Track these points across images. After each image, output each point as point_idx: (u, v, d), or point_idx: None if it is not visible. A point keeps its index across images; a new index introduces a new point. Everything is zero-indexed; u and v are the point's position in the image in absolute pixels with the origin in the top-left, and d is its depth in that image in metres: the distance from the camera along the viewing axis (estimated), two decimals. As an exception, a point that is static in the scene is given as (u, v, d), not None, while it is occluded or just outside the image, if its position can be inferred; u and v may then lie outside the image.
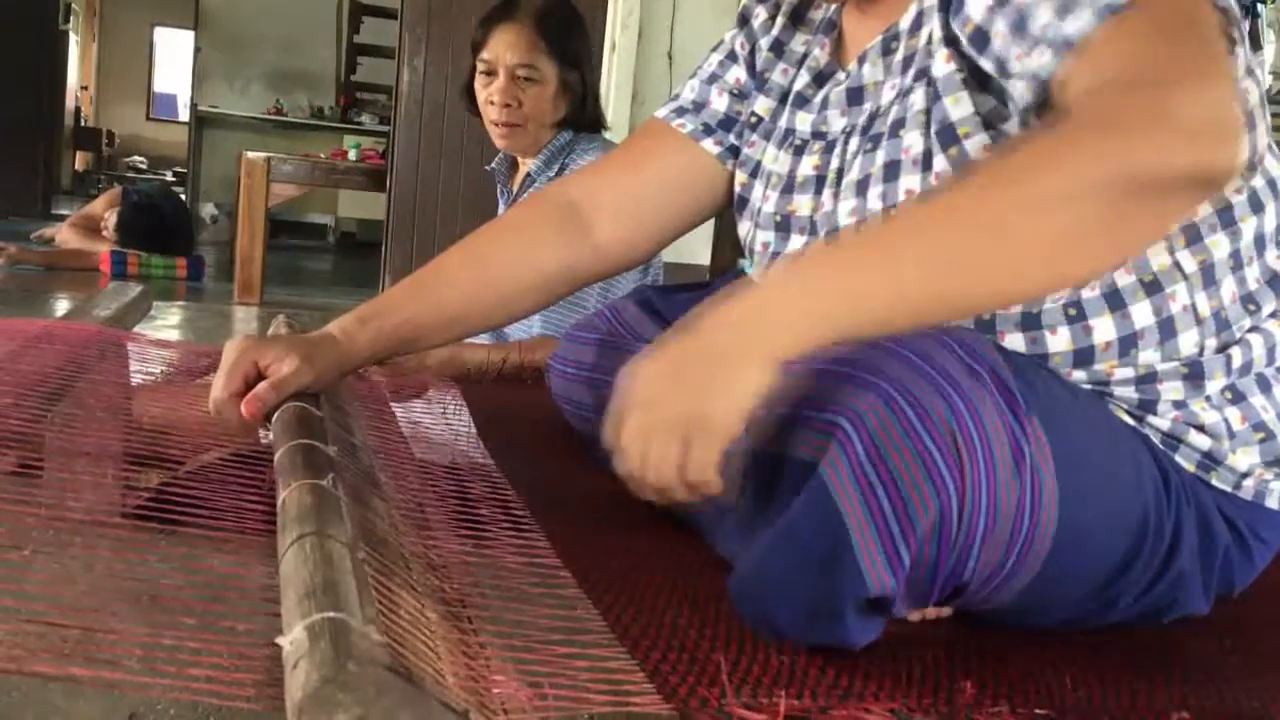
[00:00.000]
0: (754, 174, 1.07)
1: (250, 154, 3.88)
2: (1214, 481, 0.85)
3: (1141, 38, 0.71)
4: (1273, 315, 0.87)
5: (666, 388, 0.73)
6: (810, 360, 0.73)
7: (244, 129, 7.35)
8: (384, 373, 1.33)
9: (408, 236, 3.71)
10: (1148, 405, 0.84)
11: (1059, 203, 0.68)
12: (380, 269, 3.81)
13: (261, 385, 0.92)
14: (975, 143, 0.84)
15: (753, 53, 1.11)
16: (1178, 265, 0.84)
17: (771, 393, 0.71)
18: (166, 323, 2.99)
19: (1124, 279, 0.83)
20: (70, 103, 9.03)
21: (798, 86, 1.04)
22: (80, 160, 10.15)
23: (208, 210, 6.57)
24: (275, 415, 0.90)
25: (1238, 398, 0.85)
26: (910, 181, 0.87)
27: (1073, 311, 0.83)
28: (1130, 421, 0.84)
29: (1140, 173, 0.67)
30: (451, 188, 3.69)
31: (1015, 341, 0.84)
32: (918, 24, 0.90)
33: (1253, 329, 0.86)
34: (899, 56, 0.93)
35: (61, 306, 3.08)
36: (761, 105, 1.09)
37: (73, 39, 8.72)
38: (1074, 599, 0.80)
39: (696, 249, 3.47)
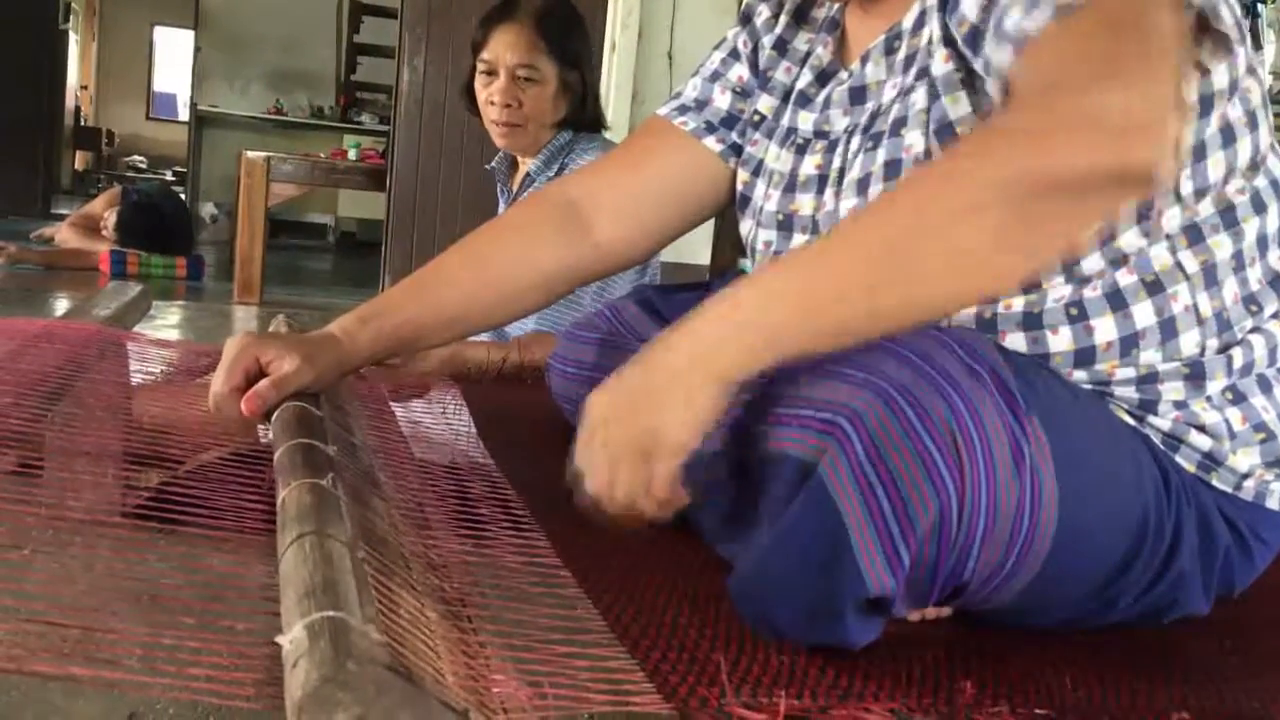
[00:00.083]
0: (756, 172, 1.07)
1: (250, 153, 3.87)
2: (1214, 482, 0.85)
3: (1086, 36, 0.71)
4: (1274, 316, 0.87)
5: (621, 409, 0.76)
6: (810, 361, 0.73)
7: (244, 128, 7.35)
8: (384, 373, 1.33)
9: (408, 236, 3.71)
10: (1148, 405, 0.84)
11: (959, 216, 0.68)
12: (380, 269, 3.81)
13: (262, 383, 0.92)
14: (974, 142, 0.84)
15: (755, 51, 1.11)
16: (1180, 265, 0.84)
17: (725, 408, 0.73)
18: (166, 322, 2.99)
19: (1126, 279, 0.83)
20: (70, 102, 9.03)
21: (800, 85, 1.04)
22: (80, 160, 10.15)
23: (208, 210, 6.57)
24: (275, 414, 0.90)
25: (1239, 398, 0.85)
26: (911, 180, 0.87)
27: (1074, 311, 0.83)
28: (1131, 421, 0.84)
29: (1049, 173, 0.67)
30: (451, 187, 3.69)
31: (1017, 341, 0.84)
32: (920, 23, 0.90)
33: (1254, 329, 0.86)
34: (901, 56, 0.93)
35: (61, 306, 3.08)
36: (764, 104, 1.09)
37: (72, 38, 8.72)
38: (1074, 599, 0.80)
39: (696, 249, 3.47)
